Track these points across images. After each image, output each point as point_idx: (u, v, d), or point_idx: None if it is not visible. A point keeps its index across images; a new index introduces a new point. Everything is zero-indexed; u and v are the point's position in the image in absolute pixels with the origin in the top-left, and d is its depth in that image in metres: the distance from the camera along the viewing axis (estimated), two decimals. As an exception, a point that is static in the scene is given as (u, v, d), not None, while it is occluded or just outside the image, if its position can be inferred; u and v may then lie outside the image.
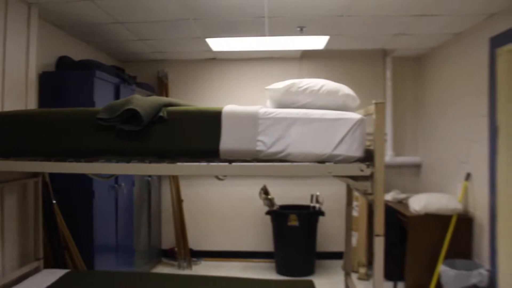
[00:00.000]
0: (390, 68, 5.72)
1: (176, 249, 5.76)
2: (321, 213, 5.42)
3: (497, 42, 3.81)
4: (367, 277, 5.20)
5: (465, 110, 4.46)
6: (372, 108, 2.64)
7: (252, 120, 2.58)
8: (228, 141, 2.55)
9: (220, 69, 5.99)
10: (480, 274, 3.86)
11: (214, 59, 5.95)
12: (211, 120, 2.58)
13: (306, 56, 5.82)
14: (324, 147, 2.58)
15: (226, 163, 2.63)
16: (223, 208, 5.99)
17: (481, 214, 4.15)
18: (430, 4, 3.64)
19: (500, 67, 3.78)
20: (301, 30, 4.44)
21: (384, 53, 5.75)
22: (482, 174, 4.08)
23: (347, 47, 5.38)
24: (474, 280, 3.86)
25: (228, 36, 4.74)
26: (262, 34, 4.62)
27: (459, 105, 4.63)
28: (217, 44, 5.05)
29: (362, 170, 2.62)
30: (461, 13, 3.89)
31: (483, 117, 4.03)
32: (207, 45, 5.10)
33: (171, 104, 2.74)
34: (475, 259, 4.23)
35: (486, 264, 4.00)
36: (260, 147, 2.56)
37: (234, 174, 2.74)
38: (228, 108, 2.63)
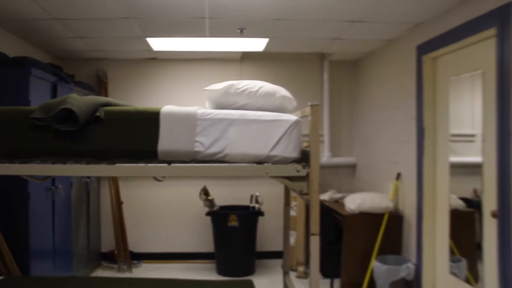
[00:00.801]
0: (327, 71, 5.91)
1: (116, 252, 5.67)
2: (260, 213, 5.51)
3: (423, 49, 4.06)
4: (305, 275, 5.34)
5: (396, 113, 4.70)
6: (308, 110, 2.75)
7: (190, 120, 2.61)
8: (166, 142, 2.56)
9: (161, 69, 5.96)
10: (408, 268, 4.09)
11: (154, 59, 5.91)
12: (149, 121, 2.57)
13: (246, 57, 5.91)
14: (261, 148, 2.65)
15: (165, 164, 2.65)
16: (163, 210, 5.96)
17: (409, 212, 4.40)
18: (363, 11, 3.81)
19: (426, 73, 4.04)
20: (241, 32, 4.51)
21: (321, 57, 5.94)
22: (410, 173, 4.32)
23: (286, 50, 5.51)
24: (402, 274, 4.09)
25: (169, 36, 4.73)
26: (203, 35, 4.65)
27: (391, 108, 4.87)
28: (157, 43, 5.03)
29: (298, 171, 2.71)
30: (391, 21, 4.10)
31: (412, 120, 4.27)
32: (148, 45, 5.07)
33: (109, 104, 2.71)
34: (404, 254, 4.48)
35: (414, 258, 4.24)
36: (198, 148, 2.58)
37: (172, 175, 2.76)
38: (167, 108, 2.64)
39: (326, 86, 5.92)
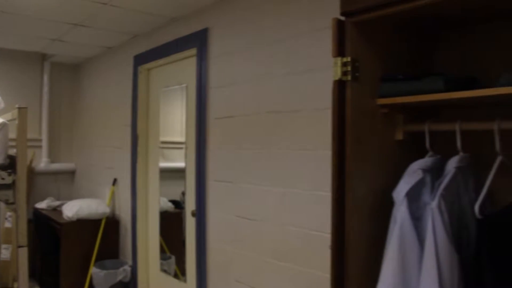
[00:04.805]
0: (48, 73, 5.63)
1: None
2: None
3: (139, 60, 4.27)
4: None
5: (114, 120, 4.80)
6: (16, 112, 2.61)
7: None
8: None
9: None
10: (125, 271, 4.23)
11: None
12: None
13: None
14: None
15: None
16: None
17: (125, 216, 4.54)
18: (85, 16, 3.76)
19: (141, 82, 4.27)
20: None
21: (42, 57, 5.63)
22: (126, 178, 4.47)
23: (3, 46, 5.03)
24: (120, 277, 4.20)
25: None
26: None
27: (109, 114, 4.94)
28: None
29: (3, 178, 2.56)
30: (111, 29, 4.17)
31: (127, 127, 4.44)
32: None
33: None
34: (122, 257, 4.60)
35: (130, 260, 4.41)
36: None
37: None
38: None
39: (46, 88, 5.62)
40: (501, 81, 1.34)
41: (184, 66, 3.73)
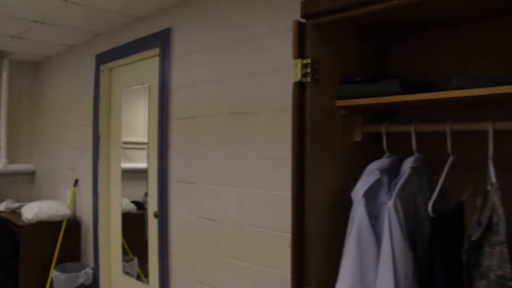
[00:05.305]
0: (7, 71, 5.46)
1: None
2: None
3: (101, 59, 4.20)
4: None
5: (75, 119, 4.71)
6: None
7: None
8: None
9: None
10: (86, 273, 4.16)
11: None
12: None
13: None
14: None
15: None
16: None
17: (87, 218, 4.46)
18: (46, 12, 3.67)
19: (103, 82, 4.20)
20: None
21: (1, 54, 5.44)
22: (87, 179, 4.40)
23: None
24: (81, 280, 4.12)
25: None
26: None
27: (70, 114, 4.84)
28: None
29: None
30: (73, 27, 4.09)
31: (89, 127, 4.36)
32: None
33: None
34: (84, 260, 4.52)
35: (91, 263, 4.33)
36: None
37: None
38: None
39: (5, 86, 5.46)
40: (452, 85, 1.38)
41: (147, 66, 3.69)
